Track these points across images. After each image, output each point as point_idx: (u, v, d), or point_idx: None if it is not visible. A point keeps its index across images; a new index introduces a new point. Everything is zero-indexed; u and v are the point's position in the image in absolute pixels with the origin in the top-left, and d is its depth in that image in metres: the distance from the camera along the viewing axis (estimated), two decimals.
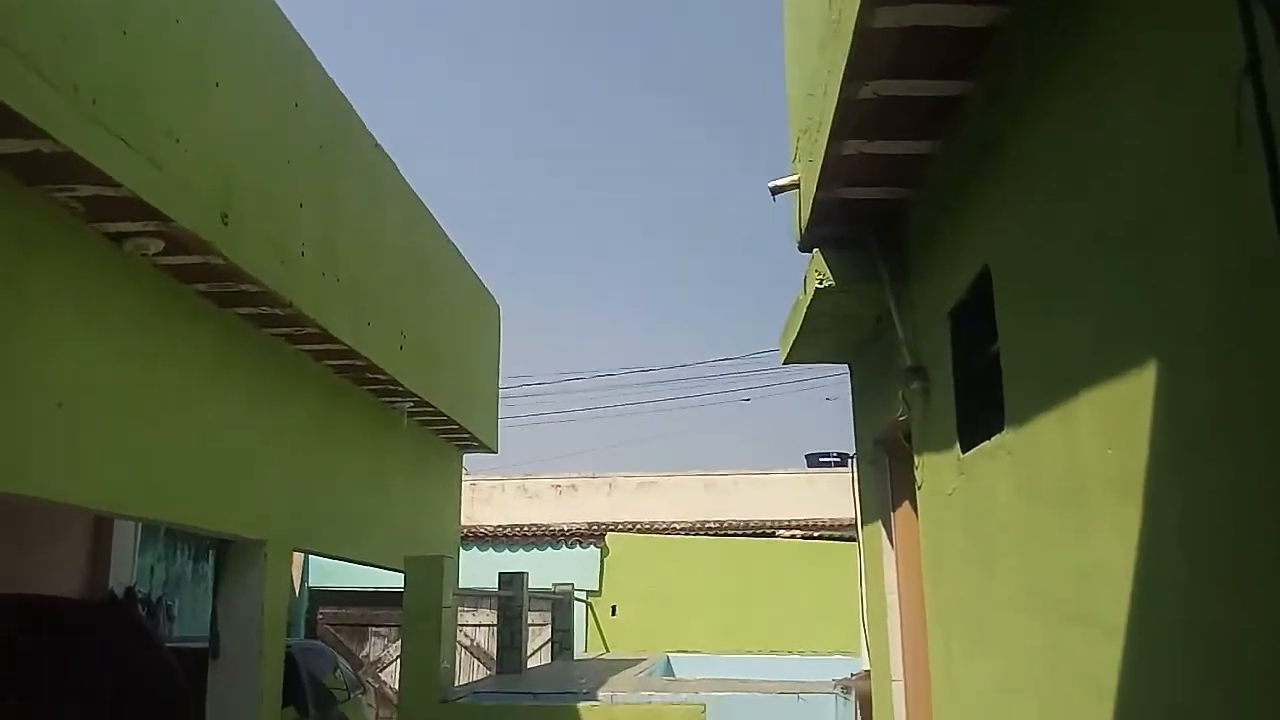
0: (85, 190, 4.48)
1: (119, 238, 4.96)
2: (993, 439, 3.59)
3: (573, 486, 20.34)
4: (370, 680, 14.77)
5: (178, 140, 4.87)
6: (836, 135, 4.04)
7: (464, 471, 12.20)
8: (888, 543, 5.67)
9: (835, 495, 18.36)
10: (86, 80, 4.16)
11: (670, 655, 14.45)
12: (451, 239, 9.69)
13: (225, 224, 5.28)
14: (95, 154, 4.24)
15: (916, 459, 4.72)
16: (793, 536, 17.31)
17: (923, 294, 4.55)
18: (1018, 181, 3.31)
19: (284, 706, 7.06)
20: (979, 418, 3.88)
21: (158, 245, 5.07)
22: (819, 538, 17.06)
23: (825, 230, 4.95)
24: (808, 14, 4.70)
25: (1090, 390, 2.72)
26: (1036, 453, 3.15)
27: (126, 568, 11.17)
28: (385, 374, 7.79)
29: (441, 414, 9.43)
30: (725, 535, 17.61)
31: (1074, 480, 2.84)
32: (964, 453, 3.94)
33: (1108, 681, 2.64)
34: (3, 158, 4.09)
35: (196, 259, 5.31)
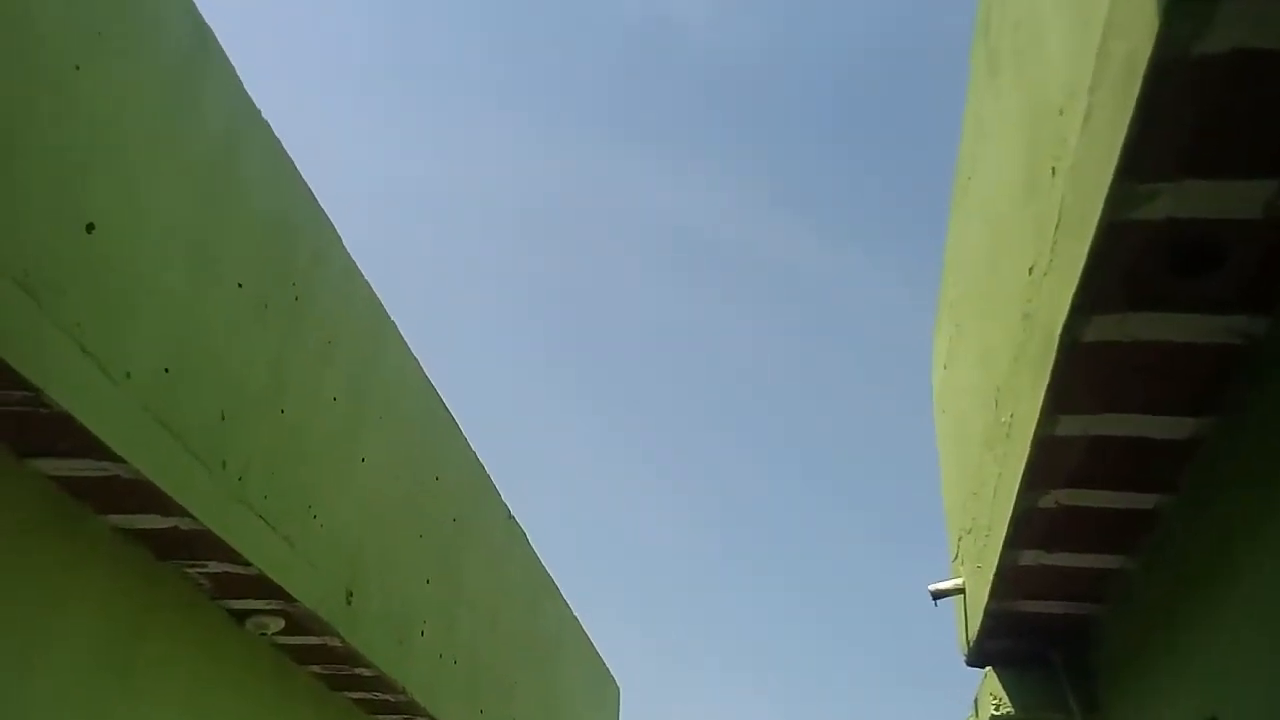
0: (215, 567, 4.39)
1: (241, 616, 4.80)
2: None
3: None
4: None
5: (315, 516, 4.82)
6: (1012, 544, 3.61)
7: None
8: None
9: None
10: (236, 458, 4.19)
11: None
12: (574, 612, 9.28)
13: (349, 604, 5.07)
14: (232, 532, 4.18)
15: None
16: None
17: None
18: (1248, 615, 2.76)
19: None
20: None
21: (278, 624, 4.88)
22: None
23: (998, 645, 4.35)
24: (966, 408, 4.46)
25: None
26: None
27: None
28: None
29: None
30: None
31: None
32: None
33: None
34: (140, 533, 4.06)
35: (315, 640, 5.06)
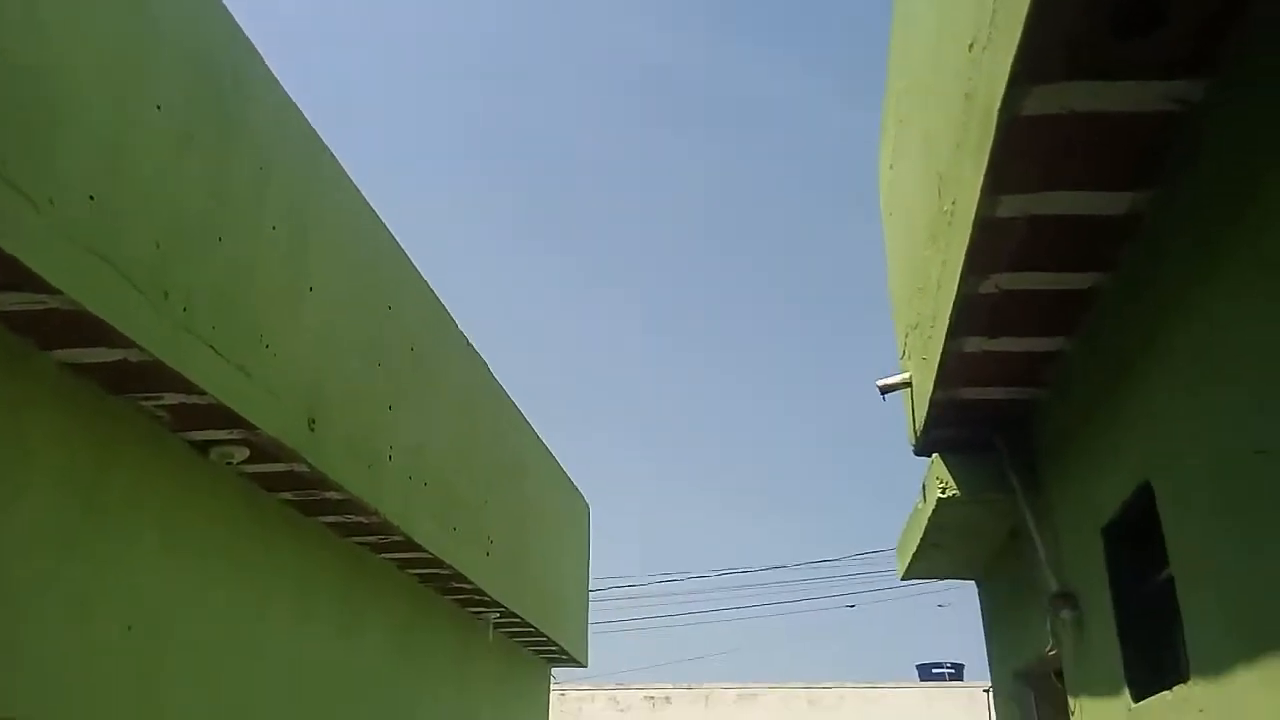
0: (171, 399, 4.39)
1: (204, 446, 4.84)
2: (1175, 690, 2.96)
3: (667, 698, 19.12)
4: None
5: (268, 346, 4.80)
6: (955, 332, 3.68)
7: (552, 680, 11.49)
8: None
9: (954, 713, 16.77)
10: (178, 288, 4.13)
11: None
12: (541, 436, 9.50)
13: (312, 430, 5.13)
14: (183, 363, 4.15)
15: (1072, 702, 4.03)
16: None
17: (1065, 507, 4.01)
18: (1178, 384, 2.86)
19: None
20: (1152, 658, 3.26)
21: (243, 453, 4.93)
22: None
23: (944, 433, 4.51)
24: (912, 205, 4.46)
25: None
26: (1238, 716, 2.54)
27: None
28: (470, 583, 7.41)
29: (529, 625, 8.92)
30: None
31: None
32: (1136, 701, 3.29)
33: None
34: (89, 366, 4.03)
35: (282, 467, 5.14)
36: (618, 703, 19.17)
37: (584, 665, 10.82)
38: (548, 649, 10.04)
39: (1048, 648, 4.11)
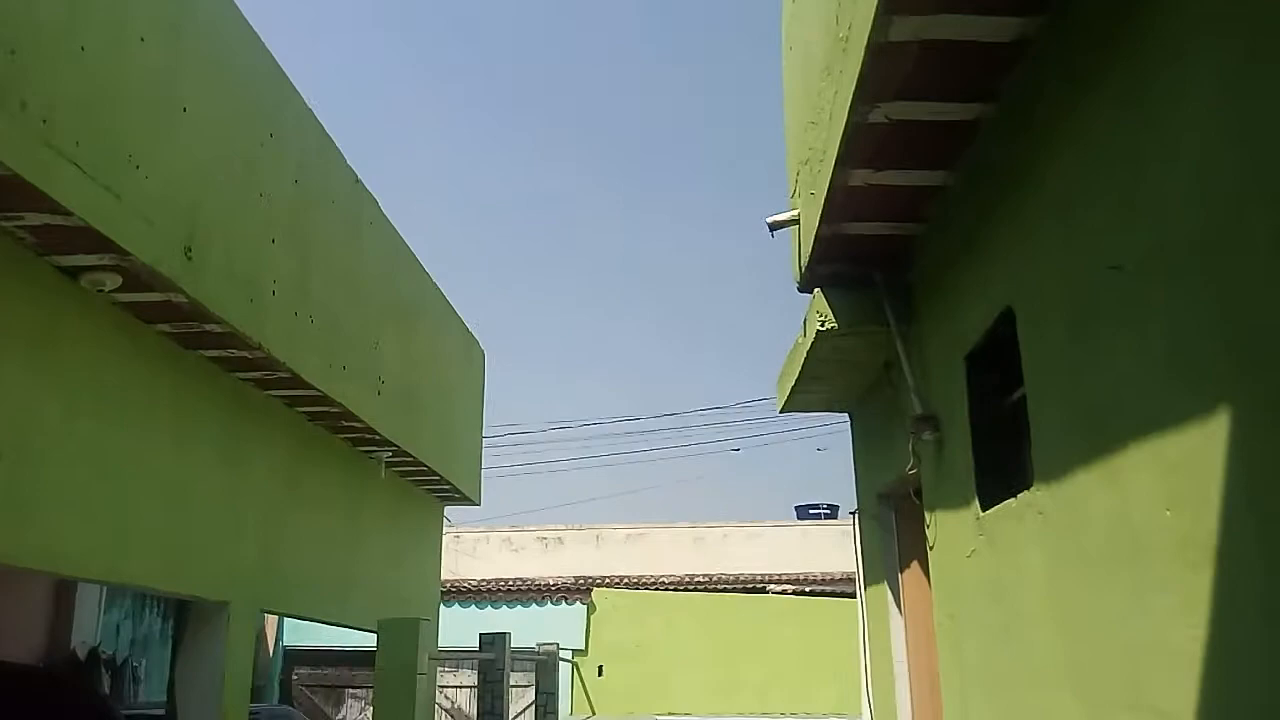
0: (34, 219, 4.15)
1: (74, 272, 4.62)
2: (1019, 496, 3.25)
3: (559, 539, 19.83)
4: None
5: (138, 167, 4.56)
6: (842, 163, 3.76)
7: (446, 523, 11.75)
8: (895, 607, 5.29)
9: (828, 549, 17.93)
10: (36, 99, 3.85)
11: (659, 718, 13.88)
12: (435, 281, 9.38)
13: (189, 259, 4.95)
14: (45, 180, 3.92)
15: (928, 516, 4.36)
16: (784, 592, 16.82)
17: (934, 337, 4.24)
18: (1047, 211, 3.01)
19: None
20: (1001, 472, 3.55)
21: (115, 281, 4.73)
22: (811, 593, 16.58)
23: (827, 269, 4.65)
24: (811, 38, 4.45)
25: (1142, 442, 2.39)
26: (1074, 514, 2.81)
27: (91, 626, 10.64)
28: (361, 421, 7.41)
29: (422, 465, 9.03)
30: (715, 590, 17.11)
31: (1124, 546, 2.50)
32: (984, 510, 3.60)
33: None
34: None
35: (158, 296, 4.97)
36: (511, 543, 19.78)
37: (477, 504, 11.08)
38: (441, 488, 10.22)
39: (908, 467, 4.42)
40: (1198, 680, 2.14)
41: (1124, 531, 2.49)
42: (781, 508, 37.42)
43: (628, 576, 17.81)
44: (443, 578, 11.43)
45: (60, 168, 4.00)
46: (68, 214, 4.10)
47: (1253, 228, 1.96)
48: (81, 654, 10.26)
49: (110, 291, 4.79)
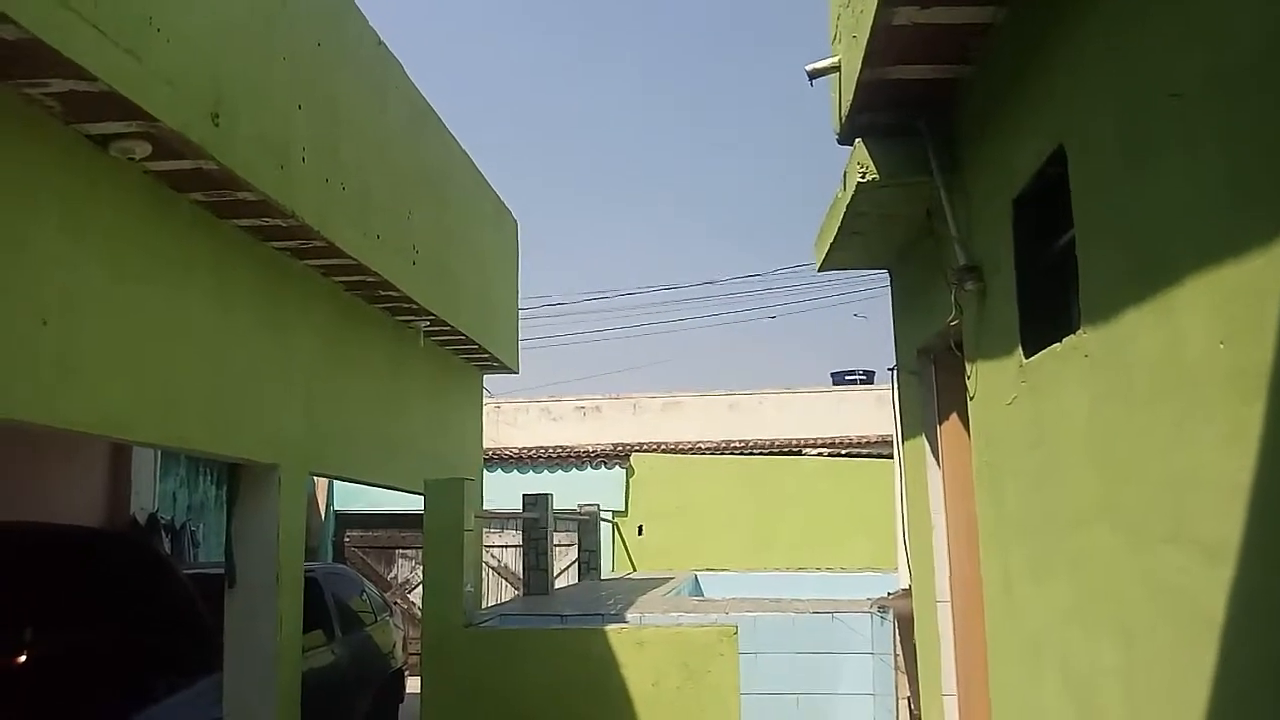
0: (59, 85, 4.10)
1: (104, 141, 4.59)
2: (1064, 341, 3.20)
3: (597, 408, 20.12)
4: (399, 602, 14.81)
5: (159, 30, 4.45)
6: (886, 1, 3.57)
7: (486, 394, 11.94)
8: (932, 458, 5.33)
9: (864, 412, 18.06)
10: None
11: (698, 574, 14.35)
12: (465, 149, 9.24)
13: (216, 125, 4.88)
14: (66, 43, 3.84)
15: (969, 367, 4.33)
16: (819, 454, 17.05)
17: (979, 185, 4.11)
18: (1101, 39, 2.86)
19: (308, 631, 6.92)
20: (1045, 319, 3.49)
21: (145, 149, 4.70)
22: (846, 455, 16.79)
23: (869, 118, 4.50)
24: None
25: (1198, 274, 2.32)
26: (1122, 353, 2.77)
27: (148, 494, 11.10)
28: (398, 291, 7.45)
29: (459, 333, 9.11)
30: (751, 454, 17.38)
31: (1173, 380, 2.46)
32: (1028, 358, 3.56)
33: (1208, 609, 2.30)
34: None
35: (188, 164, 4.93)
36: (550, 413, 20.12)
37: (515, 371, 11.22)
38: (479, 356, 10.33)
39: (950, 319, 4.36)
40: (1244, 510, 2.13)
41: (1173, 368, 2.45)
42: (819, 375, 37.61)
43: (665, 443, 18.11)
44: (484, 446, 11.69)
45: (79, 29, 3.91)
46: (92, 79, 4.03)
47: None
48: (141, 519, 10.74)
49: (141, 160, 4.76)
